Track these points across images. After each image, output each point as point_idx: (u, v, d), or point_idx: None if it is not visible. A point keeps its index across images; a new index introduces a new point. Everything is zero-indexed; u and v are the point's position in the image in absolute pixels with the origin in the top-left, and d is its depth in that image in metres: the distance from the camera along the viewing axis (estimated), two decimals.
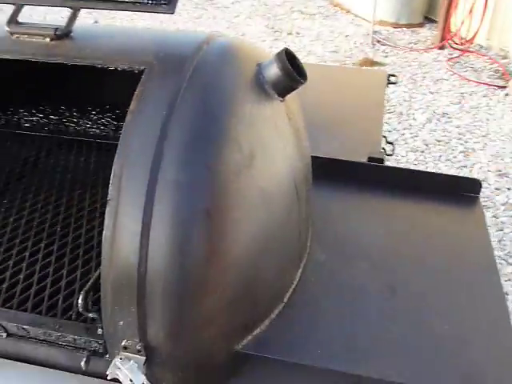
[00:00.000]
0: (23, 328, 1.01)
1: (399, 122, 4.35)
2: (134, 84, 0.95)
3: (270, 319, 1.06)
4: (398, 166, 3.71)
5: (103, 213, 0.90)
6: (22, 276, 1.15)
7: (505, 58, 5.61)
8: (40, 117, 1.68)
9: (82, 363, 1.00)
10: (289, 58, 1.02)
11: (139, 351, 0.93)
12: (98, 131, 1.67)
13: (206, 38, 1.07)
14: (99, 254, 0.93)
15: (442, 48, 5.80)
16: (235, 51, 1.06)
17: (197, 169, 0.89)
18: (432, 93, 4.90)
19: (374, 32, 6.00)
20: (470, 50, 5.72)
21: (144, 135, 0.90)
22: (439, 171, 3.68)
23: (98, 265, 0.95)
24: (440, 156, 3.92)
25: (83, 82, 1.56)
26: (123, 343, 0.93)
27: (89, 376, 1.03)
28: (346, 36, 6.15)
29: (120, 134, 0.93)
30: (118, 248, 0.90)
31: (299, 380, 1.03)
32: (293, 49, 1.06)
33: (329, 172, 1.47)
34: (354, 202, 1.46)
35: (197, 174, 0.89)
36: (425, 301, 1.14)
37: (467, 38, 5.72)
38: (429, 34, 6.25)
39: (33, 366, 1.05)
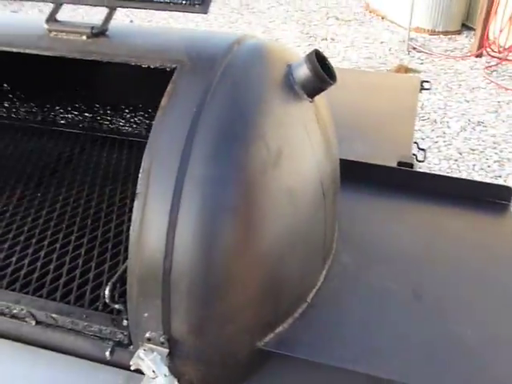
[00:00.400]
0: (51, 316, 1.04)
1: (433, 130, 4.30)
2: (167, 84, 0.97)
3: (293, 318, 1.06)
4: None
5: (133, 208, 0.92)
6: (52, 266, 1.18)
7: None
8: (75, 114, 1.72)
9: (107, 353, 1.02)
10: (319, 60, 1.02)
11: (162, 343, 0.95)
12: (130, 129, 1.71)
13: (237, 38, 1.08)
14: (127, 248, 0.95)
15: (479, 56, 5.71)
16: (265, 52, 1.07)
17: (224, 165, 0.91)
18: (468, 101, 4.83)
19: (410, 39, 5.95)
20: (509, 58, 5.61)
21: (173, 131, 0.92)
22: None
23: (126, 258, 0.97)
24: (474, 165, 3.85)
25: (118, 81, 1.60)
26: (147, 335, 0.95)
27: (113, 366, 1.05)
28: (381, 42, 6.12)
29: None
30: (145, 241, 0.91)
31: (320, 380, 1.03)
32: (327, 55, 1.07)
33: (357, 175, 1.47)
34: (381, 206, 1.45)
35: (224, 170, 0.91)
36: (451, 306, 1.12)
37: (506, 47, 5.62)
38: (466, 41, 6.17)
39: (60, 354, 1.08)
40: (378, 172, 1.49)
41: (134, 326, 0.97)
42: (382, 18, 6.88)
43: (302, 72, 1.03)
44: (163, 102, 0.95)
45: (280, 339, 1.03)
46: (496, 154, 4.02)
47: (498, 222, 1.42)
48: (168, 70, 1.00)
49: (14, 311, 1.06)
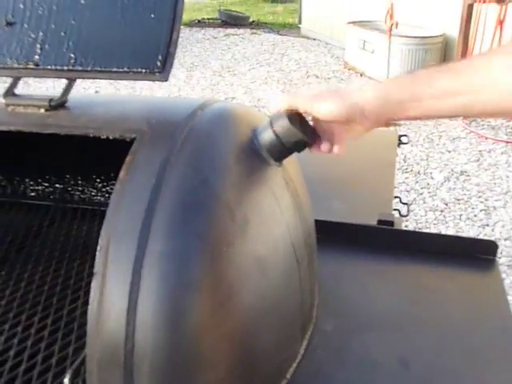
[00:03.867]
0: None
1: (417, 182, 4.30)
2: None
3: None
4: (417, 226, 3.63)
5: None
6: (12, 353, 1.10)
7: None
8: (45, 186, 1.68)
9: None
10: (292, 120, 0.98)
11: None
12: (102, 199, 1.66)
13: (201, 103, 1.06)
14: None
15: None
16: (230, 117, 1.04)
17: (186, 239, 0.85)
18: (449, 151, 4.87)
19: None
20: None
21: (131, 206, 0.87)
22: (460, 231, 3.59)
23: None
24: (460, 215, 3.83)
25: (87, 151, 1.56)
26: None
27: None
28: None
29: None
30: (104, 324, 0.85)
31: None
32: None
33: (336, 236, 1.43)
34: (363, 267, 1.39)
35: (186, 244, 0.85)
36: (438, 374, 1.05)
37: None
38: None
39: None
40: (357, 232, 1.45)
41: None
42: (361, 75, 7.04)
43: (267, 136, 1.00)
44: (121, 174, 0.91)
45: None
46: (481, 202, 4.01)
47: (485, 278, 1.37)
48: (128, 140, 0.96)
49: None
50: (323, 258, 1.29)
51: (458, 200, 4.03)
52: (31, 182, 1.70)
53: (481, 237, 3.53)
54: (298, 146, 1.01)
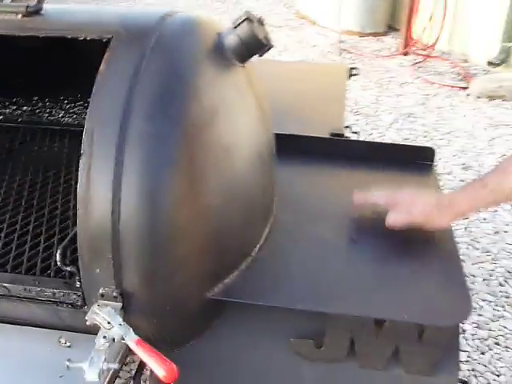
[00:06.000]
0: (4, 286, 1.06)
1: (367, 123, 4.48)
2: None
3: (239, 270, 1.13)
4: None
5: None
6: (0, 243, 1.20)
7: (465, 61, 5.82)
8: (13, 108, 1.74)
9: (62, 317, 1.05)
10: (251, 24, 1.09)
11: (115, 298, 0.99)
12: (70, 120, 1.73)
13: (168, 11, 1.15)
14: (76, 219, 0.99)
15: (405, 54, 5.99)
16: (196, 22, 1.15)
17: (163, 122, 0.97)
18: (398, 95, 5.06)
19: (341, 41, 6.18)
20: (433, 55, 5.92)
21: (113, 93, 0.98)
22: None
23: (75, 225, 1.01)
24: None
25: (55, 73, 1.63)
26: (100, 291, 0.99)
27: (69, 331, 1.08)
28: (314, 46, 6.32)
29: None
30: (92, 199, 0.96)
31: (269, 322, 1.10)
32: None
33: (292, 147, 1.55)
34: (317, 174, 1.54)
35: (163, 126, 0.97)
36: (383, 250, 1.22)
37: (429, 45, 5.93)
38: (393, 41, 6.46)
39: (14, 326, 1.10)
40: (311, 143, 1.59)
41: (87, 284, 1.01)
42: (313, 23, 7.11)
43: (231, 39, 1.11)
44: (102, 67, 1.01)
45: (228, 289, 1.09)
46: (427, 141, 4.23)
47: (423, 181, 1.54)
48: (104, 40, 1.05)
49: None
50: (280, 166, 1.42)
51: (406, 139, 4.23)
52: None
53: None
54: (259, 49, 1.12)
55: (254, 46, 1.11)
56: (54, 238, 1.22)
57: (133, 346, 0.93)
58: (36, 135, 1.70)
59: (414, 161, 1.56)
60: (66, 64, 1.53)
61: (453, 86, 5.20)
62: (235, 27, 1.10)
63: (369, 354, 1.09)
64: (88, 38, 1.07)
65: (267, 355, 1.12)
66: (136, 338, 0.94)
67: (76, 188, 0.97)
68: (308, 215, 1.34)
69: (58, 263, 1.03)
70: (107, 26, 1.08)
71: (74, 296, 1.04)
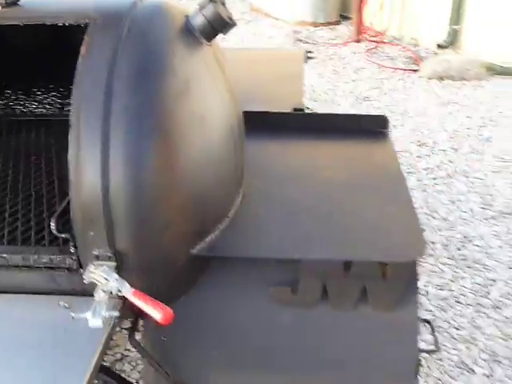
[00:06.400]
0: (2, 257, 1.15)
1: (325, 108, 4.64)
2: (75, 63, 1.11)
3: (219, 230, 1.24)
4: None
5: (61, 166, 1.05)
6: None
7: (416, 45, 6.06)
8: None
9: (59, 281, 1.14)
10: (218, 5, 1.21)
11: (109, 258, 1.09)
12: (44, 111, 1.81)
13: None
14: (63, 195, 1.08)
15: (358, 41, 6.19)
16: (166, 6, 1.25)
17: (142, 94, 1.07)
18: (353, 81, 5.24)
19: (295, 32, 6.34)
20: (385, 41, 6.14)
21: (95, 72, 1.07)
22: None
23: (63, 198, 1.11)
24: None
25: (27, 65, 1.71)
26: (95, 252, 1.09)
27: (66, 294, 1.17)
28: (269, 37, 6.45)
29: (65, 111, 1.07)
30: (83, 168, 1.06)
31: (249, 274, 1.21)
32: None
33: (258, 124, 1.67)
34: (282, 145, 1.66)
35: (143, 98, 1.07)
36: (347, 204, 1.35)
37: (381, 31, 6.15)
38: (346, 30, 6.66)
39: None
40: (275, 118, 1.71)
41: (82, 247, 1.11)
42: (267, 16, 7.25)
43: (199, 20, 1.22)
44: (82, 50, 1.10)
45: (210, 246, 1.20)
46: None
47: (379, 145, 1.68)
48: (82, 25, 1.15)
49: None
50: (249, 140, 1.53)
51: None
52: None
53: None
54: (224, 28, 1.24)
55: (219, 24, 1.22)
56: (43, 214, 1.30)
57: (130, 297, 1.03)
58: (12, 127, 1.77)
59: (369, 129, 1.70)
60: (36, 56, 1.61)
61: (405, 70, 5.42)
62: (201, 9, 1.21)
63: (339, 296, 1.22)
64: (67, 24, 1.16)
65: (249, 304, 1.24)
66: (132, 289, 1.04)
67: (58, 169, 1.05)
68: (277, 180, 1.46)
69: (54, 231, 1.12)
70: (83, 13, 1.17)
71: (70, 260, 1.13)
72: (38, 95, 1.79)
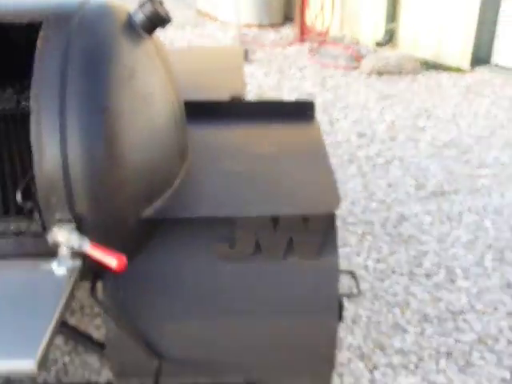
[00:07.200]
0: None
1: None
2: (31, 59, 1.29)
3: (165, 196, 1.44)
4: None
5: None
6: None
7: (357, 44, 6.40)
8: None
9: (26, 245, 1.32)
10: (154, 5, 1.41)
11: (70, 220, 1.27)
12: (1, 107, 1.95)
13: None
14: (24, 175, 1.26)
15: (302, 42, 6.48)
16: (110, 5, 1.44)
17: (93, 79, 1.26)
18: (298, 79, 5.51)
19: (241, 34, 6.58)
20: (327, 41, 6.45)
21: (50, 62, 1.26)
22: None
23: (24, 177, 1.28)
24: None
25: None
26: (57, 216, 1.27)
27: (32, 258, 1.34)
28: (216, 40, 6.67)
29: (22, 106, 1.22)
30: (44, 144, 1.24)
31: (193, 235, 1.42)
32: None
33: (199, 112, 1.87)
34: (220, 130, 1.86)
35: (93, 82, 1.26)
36: (275, 171, 1.57)
37: (323, 31, 6.46)
38: (290, 31, 6.95)
39: None
40: (214, 106, 1.91)
41: (46, 213, 1.29)
42: (214, 20, 7.47)
43: (139, 16, 1.42)
44: (39, 44, 1.28)
45: (157, 209, 1.40)
46: (326, 116, 4.70)
47: (306, 127, 1.91)
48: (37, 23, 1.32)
49: None
50: (191, 127, 1.73)
51: None
52: None
53: (326, 142, 4.23)
54: (161, 23, 1.44)
55: (157, 20, 1.42)
56: (6, 191, 1.47)
57: (89, 249, 1.22)
58: None
59: (298, 113, 1.93)
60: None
61: (346, 67, 5.73)
62: (141, 7, 1.41)
63: (270, 249, 1.44)
64: (24, 23, 1.33)
65: (194, 260, 1.44)
66: (90, 244, 1.23)
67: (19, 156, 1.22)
68: (215, 157, 1.67)
69: (19, 201, 1.30)
70: (36, 12, 1.35)
71: (35, 226, 1.31)
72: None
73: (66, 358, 2.23)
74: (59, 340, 2.28)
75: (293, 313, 1.47)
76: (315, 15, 6.50)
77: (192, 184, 1.51)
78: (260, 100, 1.97)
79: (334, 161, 3.99)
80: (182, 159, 1.57)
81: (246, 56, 2.66)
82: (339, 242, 2.94)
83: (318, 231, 1.41)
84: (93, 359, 2.20)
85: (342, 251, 2.95)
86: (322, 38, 6.44)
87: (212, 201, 1.44)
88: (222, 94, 2.08)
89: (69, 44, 1.27)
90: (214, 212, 1.39)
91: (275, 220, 1.39)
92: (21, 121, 1.24)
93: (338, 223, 3.20)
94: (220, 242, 1.43)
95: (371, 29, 6.35)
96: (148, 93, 1.38)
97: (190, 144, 1.68)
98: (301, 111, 1.94)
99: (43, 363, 1.05)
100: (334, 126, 4.51)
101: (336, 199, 1.41)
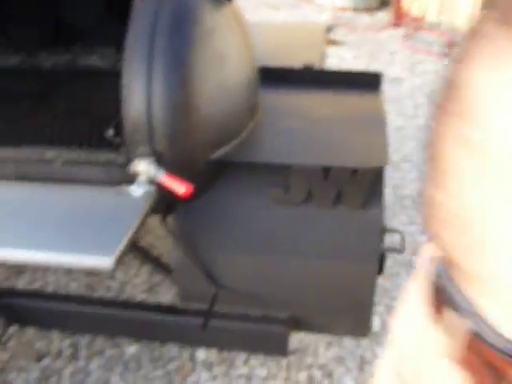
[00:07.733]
0: (74, 154, 1.59)
1: None
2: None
3: (231, 145, 1.65)
4: None
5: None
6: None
7: (453, 31, 6.28)
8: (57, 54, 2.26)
9: (113, 174, 1.58)
10: None
11: (149, 154, 1.51)
12: (101, 64, 2.26)
13: None
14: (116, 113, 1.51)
15: (397, 26, 6.46)
16: None
17: (178, 38, 1.48)
18: (388, 63, 5.54)
19: (336, 17, 6.66)
20: (423, 27, 6.37)
21: (143, 22, 1.49)
22: (393, 123, 4.29)
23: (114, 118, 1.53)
24: (393, 110, 4.54)
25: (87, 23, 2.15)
26: (139, 150, 1.51)
27: (117, 185, 1.60)
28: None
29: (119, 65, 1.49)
30: (133, 90, 1.48)
31: (254, 179, 1.62)
32: None
33: (271, 77, 2.05)
34: (290, 94, 2.04)
35: (178, 41, 1.48)
36: (333, 130, 1.73)
37: (419, 17, 6.39)
38: (385, 15, 6.92)
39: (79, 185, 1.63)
40: (286, 73, 2.09)
41: (130, 147, 1.53)
42: (310, 2, 7.58)
43: None
44: (135, 5, 1.52)
45: (225, 154, 1.61)
46: (412, 100, 4.72)
47: (370, 97, 2.03)
48: None
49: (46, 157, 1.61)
50: (265, 90, 1.92)
51: (392, 97, 4.72)
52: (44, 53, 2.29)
53: (410, 125, 4.28)
54: None
55: None
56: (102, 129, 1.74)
57: (163, 178, 1.45)
58: (72, 79, 2.23)
59: (365, 84, 2.06)
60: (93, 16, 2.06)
61: (439, 54, 5.66)
62: None
63: (321, 197, 1.60)
64: None
65: (252, 202, 1.64)
66: (165, 173, 1.46)
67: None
68: (281, 116, 1.85)
69: (111, 136, 1.56)
70: None
71: (121, 158, 1.56)
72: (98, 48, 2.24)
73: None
74: None
75: (337, 258, 1.63)
76: (412, 0, 6.44)
77: (257, 136, 1.70)
78: (330, 69, 2.11)
79: (412, 144, 4.04)
80: (251, 116, 1.76)
81: (330, 32, 2.79)
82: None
83: (365, 184, 1.56)
84: None
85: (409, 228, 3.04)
86: (418, 24, 6.37)
87: (271, 150, 1.62)
88: (296, 63, 2.25)
89: (160, 5, 1.50)
90: (272, 159, 1.58)
91: (327, 171, 1.56)
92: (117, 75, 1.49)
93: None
94: (275, 187, 1.61)
95: (469, 16, 6.19)
96: (224, 52, 1.59)
97: (260, 104, 1.87)
98: (368, 82, 2.06)
99: (119, 262, 1.29)
100: (419, 110, 4.53)
101: (385, 157, 1.55)
